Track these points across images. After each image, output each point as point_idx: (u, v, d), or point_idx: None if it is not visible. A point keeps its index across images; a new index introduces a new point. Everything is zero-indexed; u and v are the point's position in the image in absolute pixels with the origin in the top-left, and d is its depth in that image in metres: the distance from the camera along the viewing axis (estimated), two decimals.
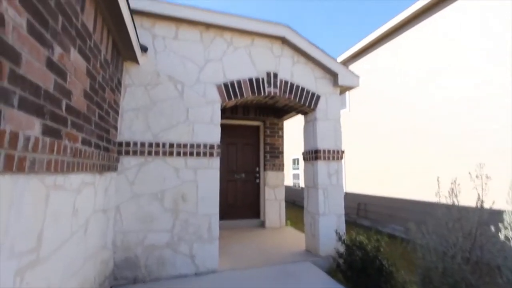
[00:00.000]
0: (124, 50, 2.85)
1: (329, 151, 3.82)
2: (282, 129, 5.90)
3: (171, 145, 3.16)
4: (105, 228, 2.60)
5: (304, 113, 4.17)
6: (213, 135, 3.35)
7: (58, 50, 1.44)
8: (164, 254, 3.01)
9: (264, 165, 5.67)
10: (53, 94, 1.42)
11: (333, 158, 3.83)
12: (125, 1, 2.22)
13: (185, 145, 3.20)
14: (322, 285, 2.82)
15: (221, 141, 5.60)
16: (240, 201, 5.60)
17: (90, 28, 1.93)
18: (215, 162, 3.33)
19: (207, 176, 3.26)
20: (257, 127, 5.92)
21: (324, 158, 3.78)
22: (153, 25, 3.26)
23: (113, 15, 2.22)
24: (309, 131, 4.05)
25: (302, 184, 12.04)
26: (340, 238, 3.20)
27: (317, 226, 3.70)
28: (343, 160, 3.92)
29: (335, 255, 3.24)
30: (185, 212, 3.13)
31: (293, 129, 12.65)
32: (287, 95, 3.75)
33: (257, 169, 5.78)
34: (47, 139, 1.33)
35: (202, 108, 3.34)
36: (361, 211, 7.96)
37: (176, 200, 3.12)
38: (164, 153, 3.13)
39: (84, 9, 1.79)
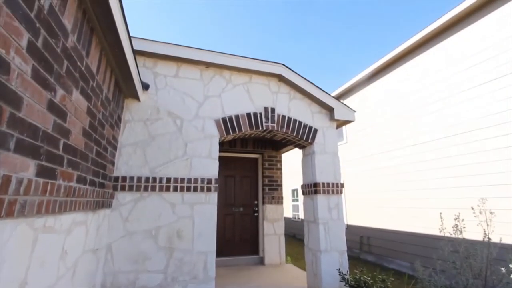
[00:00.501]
0: (126, 88, 2.95)
1: (328, 184, 3.78)
2: (280, 161, 5.90)
3: (168, 180, 3.12)
4: (95, 269, 2.46)
5: (302, 147, 4.20)
6: (211, 169, 3.33)
7: (60, 92, 1.49)
8: None
9: (263, 198, 5.57)
10: (51, 135, 1.43)
11: (333, 192, 3.78)
12: (129, 43, 2.35)
13: (182, 180, 3.17)
14: None
15: (219, 174, 5.56)
16: (238, 236, 5.40)
17: (94, 69, 2.01)
18: (213, 197, 3.27)
19: (204, 212, 3.18)
20: (256, 160, 5.92)
21: (324, 192, 3.73)
22: (155, 64, 3.42)
23: (116, 56, 2.33)
24: (308, 165, 4.04)
25: (302, 215, 11.75)
26: (344, 278, 3.03)
27: (319, 264, 3.52)
28: (343, 194, 3.86)
29: None
30: (180, 250, 3.00)
31: (291, 160, 12.65)
32: (284, 129, 3.80)
33: (256, 202, 5.67)
34: (41, 180, 1.32)
35: (201, 143, 3.37)
36: (364, 245, 7.65)
37: (171, 238, 3.00)
38: (161, 188, 3.08)
39: (89, 53, 1.88)
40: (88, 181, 2.06)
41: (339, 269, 3.20)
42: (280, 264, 5.28)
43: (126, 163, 3.05)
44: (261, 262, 5.29)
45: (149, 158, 3.14)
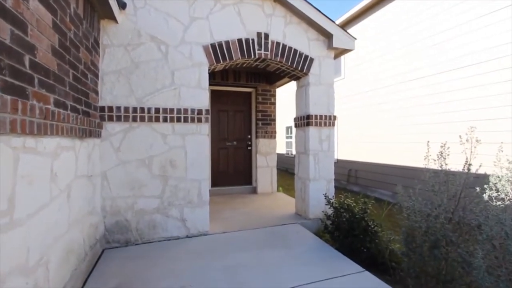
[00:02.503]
0: (99, 5, 2.59)
1: (321, 117, 3.75)
2: (274, 95, 5.74)
3: (157, 110, 3.03)
4: (91, 193, 2.57)
5: (297, 78, 4.01)
6: (201, 100, 3.22)
7: None
8: (155, 218, 3.04)
9: (256, 132, 5.61)
10: (11, 47, 1.27)
11: (325, 124, 3.78)
12: None
13: (171, 110, 3.08)
14: (309, 244, 2.94)
15: (211, 108, 5.48)
16: (232, 168, 5.63)
17: None
18: (204, 128, 3.24)
19: (195, 142, 3.20)
20: (249, 94, 5.75)
21: (316, 124, 3.72)
22: None
23: None
24: (302, 97, 3.93)
25: (294, 151, 12.11)
26: (329, 202, 3.27)
27: (307, 190, 3.75)
28: (335, 127, 3.87)
29: (324, 217, 3.34)
30: (174, 178, 3.11)
31: (287, 97, 12.44)
32: (278, 58, 3.56)
33: (249, 136, 5.73)
34: (8, 97, 1.22)
35: (189, 71, 3.16)
36: (352, 177, 8.15)
37: (164, 166, 3.08)
38: (150, 119, 3.01)
39: None
40: (69, 107, 1.97)
41: (325, 194, 3.42)
42: (272, 192, 5.65)
43: (110, 92, 2.90)
44: (254, 191, 5.65)
45: (134, 87, 2.98)
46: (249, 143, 5.72)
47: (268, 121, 5.65)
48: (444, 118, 5.34)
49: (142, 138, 3.00)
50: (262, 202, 4.85)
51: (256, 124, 5.60)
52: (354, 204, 3.05)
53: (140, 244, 2.98)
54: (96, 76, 2.79)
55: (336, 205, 3.15)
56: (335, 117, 3.85)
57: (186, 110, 3.13)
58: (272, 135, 5.68)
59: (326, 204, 3.38)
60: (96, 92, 2.79)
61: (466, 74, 4.95)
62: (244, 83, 5.46)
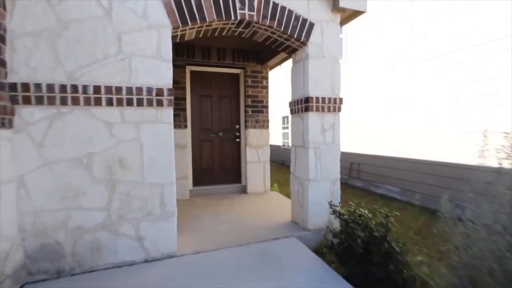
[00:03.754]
0: None
1: (323, 100, 2.91)
2: (266, 78, 4.87)
3: (97, 90, 2.17)
4: None
5: (293, 51, 3.15)
6: (162, 75, 2.35)
7: None
8: (99, 237, 2.23)
9: (245, 121, 4.76)
10: None
11: (329, 109, 2.94)
12: None
13: (118, 90, 2.22)
14: (308, 271, 2.14)
15: (191, 93, 4.59)
16: (217, 164, 4.80)
17: None
18: (167, 114, 2.38)
19: (155, 134, 2.35)
20: (236, 76, 4.87)
21: (318, 109, 2.89)
22: None
23: None
24: (298, 74, 3.08)
25: (290, 143, 11.32)
26: (334, 211, 2.47)
27: (306, 194, 2.95)
28: (341, 112, 3.04)
29: (328, 230, 2.55)
30: (126, 183, 2.28)
31: (283, 82, 11.54)
32: (268, 21, 2.68)
33: (237, 126, 4.88)
34: None
35: (143, 35, 2.29)
36: (354, 171, 7.38)
37: (111, 167, 2.24)
38: (87, 101, 2.15)
39: None
40: None
41: (331, 201, 2.61)
42: (264, 192, 4.85)
43: (25, 63, 2.03)
44: (244, 190, 4.84)
45: (63, 57, 2.10)
46: (237, 134, 4.88)
47: (259, 108, 4.80)
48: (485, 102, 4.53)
49: (78, 128, 2.15)
50: (251, 205, 4.05)
51: (245, 111, 4.75)
52: (369, 215, 2.25)
53: (79, 274, 2.17)
54: (2, 39, 1.91)
55: (345, 216, 2.34)
56: (341, 100, 3.01)
57: (140, 90, 2.27)
58: (264, 124, 4.83)
59: (331, 214, 2.58)
60: (3, 64, 1.92)
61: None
62: (230, 62, 4.58)
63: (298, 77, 3.07)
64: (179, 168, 4.28)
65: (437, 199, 4.64)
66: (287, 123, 12.08)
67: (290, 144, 11.57)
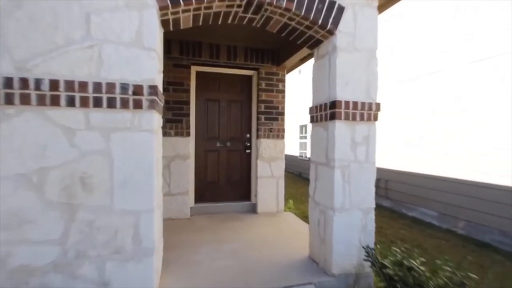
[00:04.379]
0: None
1: (355, 105, 2.23)
2: (283, 81, 4.25)
3: (55, 85, 1.64)
4: None
5: (315, 44, 2.51)
6: (143, 69, 1.80)
7: None
8: (51, 281, 1.66)
9: (257, 130, 4.14)
10: None
11: (362, 117, 2.25)
12: None
13: (83, 85, 1.68)
14: None
15: (196, 96, 4.04)
16: (223, 179, 4.19)
17: None
18: (147, 118, 1.81)
19: (131, 144, 1.78)
20: (249, 78, 4.29)
21: (347, 117, 2.21)
22: None
23: None
24: (322, 73, 2.43)
25: (308, 154, 10.56)
26: (372, 262, 1.75)
27: (329, 227, 2.25)
28: (376, 122, 2.34)
29: (357, 277, 1.84)
30: (89, 209, 1.72)
31: (301, 86, 10.89)
32: (284, 3, 2.07)
33: (248, 135, 4.27)
34: None
35: (119, 16, 1.75)
36: (381, 189, 6.49)
37: (70, 188, 1.69)
38: (42, 100, 1.63)
39: None
40: None
41: (367, 246, 1.90)
42: (277, 212, 4.17)
43: None
44: (253, 210, 4.18)
45: (12, 41, 1.61)
46: (248, 144, 4.26)
47: (273, 115, 4.17)
48: None
49: (27, 135, 1.63)
50: (261, 230, 3.39)
51: (258, 119, 4.14)
52: (428, 273, 1.52)
53: None
54: None
55: (389, 271, 1.62)
56: (378, 106, 2.32)
57: (112, 86, 1.72)
58: (279, 134, 4.19)
59: (365, 259, 1.87)
60: None
61: None
62: (241, 63, 4.02)
63: (322, 77, 2.42)
64: (179, 182, 3.73)
65: (487, 229, 3.70)
66: (305, 133, 11.34)
67: (308, 155, 10.83)
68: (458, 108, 4.63)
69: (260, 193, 4.10)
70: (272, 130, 4.15)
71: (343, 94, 2.22)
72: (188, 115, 3.80)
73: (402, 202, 5.89)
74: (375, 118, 2.31)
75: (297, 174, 11.28)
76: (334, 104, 2.20)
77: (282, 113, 4.23)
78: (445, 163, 4.89)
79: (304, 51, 3.48)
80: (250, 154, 4.27)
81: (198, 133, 4.04)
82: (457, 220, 4.68)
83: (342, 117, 2.20)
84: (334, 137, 2.21)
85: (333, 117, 2.21)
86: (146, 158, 1.80)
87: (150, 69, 1.81)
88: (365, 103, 2.26)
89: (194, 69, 3.92)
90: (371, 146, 2.31)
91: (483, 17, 4.28)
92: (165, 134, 3.62)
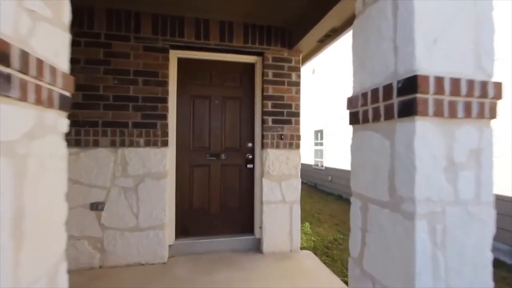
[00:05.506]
0: None
1: (456, 85, 1.06)
2: (297, 70, 3.12)
3: None
4: None
5: None
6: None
7: None
8: None
9: (263, 137, 3.02)
10: None
11: (469, 112, 1.08)
12: None
13: None
14: None
15: (178, 92, 2.90)
16: (216, 204, 3.07)
17: None
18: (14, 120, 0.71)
19: None
20: (250, 67, 3.18)
21: (439, 111, 1.04)
22: None
23: None
24: (377, 28, 1.27)
25: (327, 163, 9.39)
26: None
27: None
28: (494, 121, 1.15)
29: None
30: None
31: (316, 86, 9.74)
32: None
33: (250, 144, 3.15)
34: None
35: None
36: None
37: None
38: None
39: None
40: None
41: None
42: (291, 252, 3.00)
43: None
44: (258, 247, 3.03)
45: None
46: (250, 156, 3.14)
47: (285, 116, 3.04)
48: None
49: None
50: (268, 285, 2.23)
51: (263, 122, 3.01)
52: None
53: None
54: None
55: None
56: (499, 89, 1.13)
57: None
58: (292, 142, 3.05)
59: None
60: None
61: None
62: (240, 45, 2.93)
63: (376, 37, 1.27)
64: (152, 211, 2.65)
65: None
66: (321, 139, 10.12)
67: (324, 164, 9.59)
68: None
69: (266, 224, 2.95)
70: (283, 137, 3.01)
71: (429, 62, 1.06)
72: (164, 117, 2.73)
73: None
74: (493, 114, 1.13)
75: (312, 185, 10.04)
76: (410, 84, 1.04)
77: (297, 114, 3.09)
78: None
79: (327, 22, 2.36)
80: (252, 170, 3.13)
81: (181, 142, 2.95)
82: None
83: (430, 111, 1.03)
84: (413, 153, 1.04)
85: (409, 109, 1.05)
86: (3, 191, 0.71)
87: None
88: (474, 82, 1.09)
89: (174, 54, 2.86)
90: (486, 170, 1.12)
91: None
92: (131, 144, 2.56)
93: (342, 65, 8.62)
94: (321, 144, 10.07)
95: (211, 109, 3.05)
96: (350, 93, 1.48)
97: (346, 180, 8.01)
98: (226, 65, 3.07)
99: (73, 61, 2.56)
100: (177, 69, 2.91)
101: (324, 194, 8.86)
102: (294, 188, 3.02)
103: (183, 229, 2.94)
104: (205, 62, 3.02)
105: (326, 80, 9.73)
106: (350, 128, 1.48)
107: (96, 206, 2.56)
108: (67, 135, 1.26)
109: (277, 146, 2.99)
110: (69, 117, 2.35)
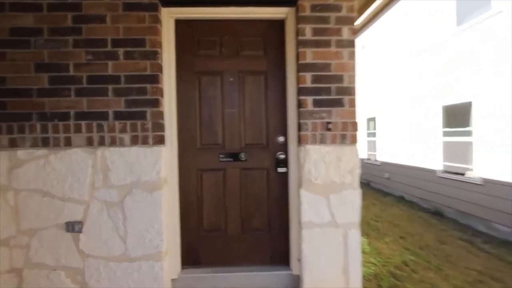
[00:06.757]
0: None
1: None
2: (351, 20, 2.03)
3: None
4: None
5: None
6: None
7: None
8: None
9: (299, 128, 2.02)
10: None
11: None
12: None
13: None
14: None
15: (179, 68, 1.77)
16: (235, 222, 2.19)
17: None
18: None
19: None
20: (278, 24, 2.17)
21: None
22: None
23: None
24: None
25: (380, 157, 7.98)
26: None
27: None
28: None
29: None
30: None
31: (367, 64, 8.29)
32: None
33: (281, 139, 2.18)
34: None
35: None
36: None
37: None
38: None
39: None
40: None
41: None
42: None
43: None
44: (295, 287, 2.09)
45: None
46: (281, 156, 2.16)
47: (333, 95, 2.00)
48: None
49: None
50: None
51: (300, 104, 2.01)
52: None
53: None
54: None
55: None
56: None
57: None
58: (345, 134, 2.00)
59: None
60: None
61: None
62: None
63: None
64: (144, 235, 1.90)
65: None
66: (374, 128, 8.61)
67: (378, 158, 8.13)
68: None
69: (308, 256, 1.98)
70: (330, 126, 1.98)
71: None
72: (156, 103, 1.93)
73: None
74: None
75: (365, 183, 8.64)
76: None
77: (351, 90, 2.02)
78: None
79: None
80: (286, 176, 2.17)
81: (183, 137, 2.13)
82: None
83: None
84: None
85: None
86: None
87: None
88: None
89: (167, 13, 2.02)
90: None
91: None
92: (113, 142, 1.84)
93: (399, 39, 6.99)
94: (374, 134, 8.55)
95: (224, 90, 2.16)
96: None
97: (409, 178, 6.52)
98: (244, 25, 2.13)
99: (35, 32, 1.90)
100: (175, 35, 2.07)
101: (380, 194, 7.45)
102: (350, 204, 1.98)
103: (191, 256, 2.15)
104: (213, 23, 2.12)
105: (379, 58, 8.13)
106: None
107: (72, 227, 1.91)
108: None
109: (322, 141, 1.98)
110: (33, 107, 1.62)
